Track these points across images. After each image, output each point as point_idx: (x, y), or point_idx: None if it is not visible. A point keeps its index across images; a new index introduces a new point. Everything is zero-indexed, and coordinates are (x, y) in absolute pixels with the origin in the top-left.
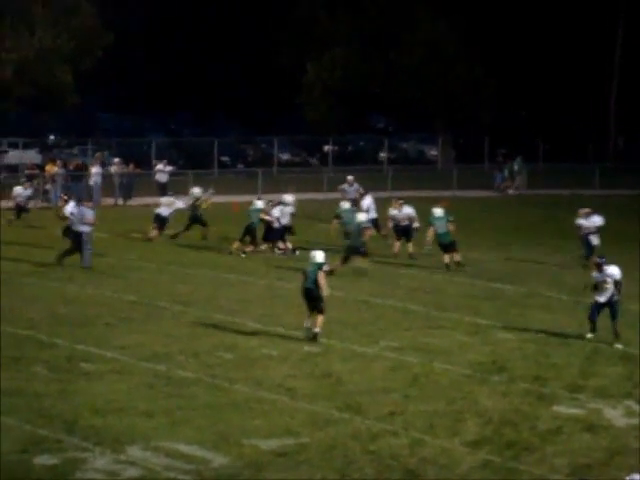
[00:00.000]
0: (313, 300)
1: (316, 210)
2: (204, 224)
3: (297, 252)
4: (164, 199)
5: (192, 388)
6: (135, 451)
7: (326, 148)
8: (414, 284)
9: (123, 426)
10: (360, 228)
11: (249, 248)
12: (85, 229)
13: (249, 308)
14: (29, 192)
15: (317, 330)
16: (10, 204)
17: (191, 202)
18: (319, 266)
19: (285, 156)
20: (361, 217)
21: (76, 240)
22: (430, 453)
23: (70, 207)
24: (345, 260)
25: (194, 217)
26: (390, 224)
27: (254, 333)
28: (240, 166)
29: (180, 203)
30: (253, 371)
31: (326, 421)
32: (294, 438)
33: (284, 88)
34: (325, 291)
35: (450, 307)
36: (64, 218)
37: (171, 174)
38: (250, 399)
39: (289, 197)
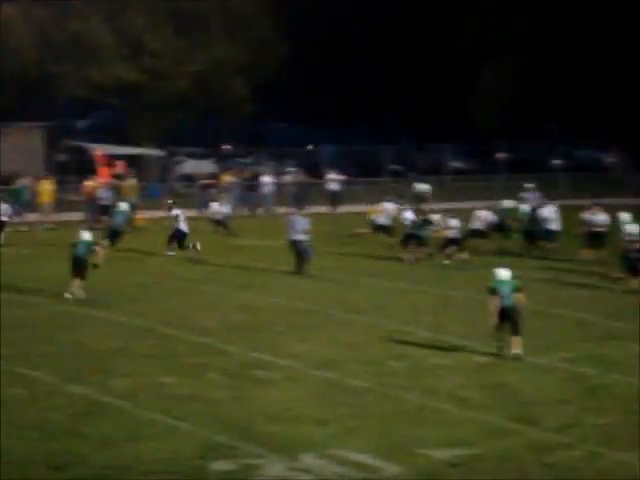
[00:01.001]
0: (512, 321)
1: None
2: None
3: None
4: (383, 205)
5: (364, 397)
6: (309, 459)
7: (498, 155)
8: (590, 293)
9: (297, 433)
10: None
11: (418, 254)
12: (301, 237)
13: (420, 317)
14: (225, 209)
15: (518, 352)
16: (192, 213)
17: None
18: (516, 286)
19: (456, 164)
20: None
21: (296, 248)
22: (607, 466)
23: (178, 211)
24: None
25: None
26: (583, 229)
27: (425, 342)
28: (412, 174)
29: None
30: (424, 380)
31: (500, 432)
32: (467, 448)
33: (456, 95)
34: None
35: (627, 317)
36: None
37: (342, 183)
38: (422, 408)
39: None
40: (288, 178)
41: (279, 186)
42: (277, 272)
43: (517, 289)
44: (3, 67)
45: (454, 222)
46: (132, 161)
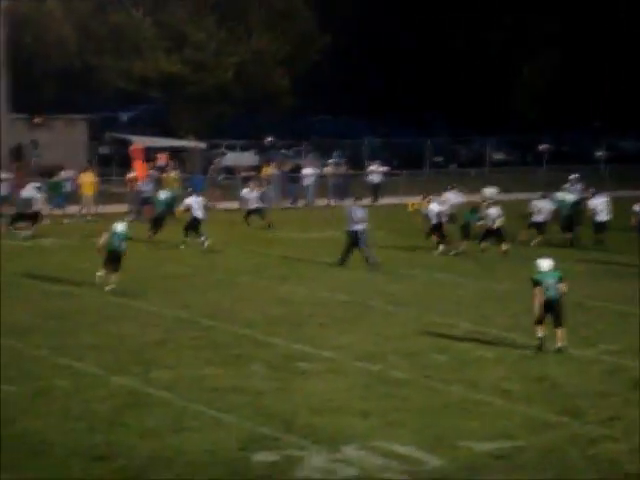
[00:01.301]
0: (555, 313)
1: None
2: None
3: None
4: (445, 195)
5: (406, 389)
6: (351, 451)
7: (541, 147)
8: (635, 285)
9: (339, 425)
10: None
11: (462, 246)
12: (359, 227)
13: (462, 309)
14: (254, 194)
15: (562, 344)
16: (233, 205)
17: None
18: (560, 277)
19: (498, 156)
20: None
21: (351, 239)
22: None
23: (190, 200)
24: None
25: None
26: (634, 221)
27: (467, 334)
28: (453, 166)
29: (458, 198)
30: (467, 373)
31: (543, 425)
32: (510, 441)
33: (497, 87)
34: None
35: None
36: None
37: (384, 175)
38: (465, 401)
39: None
40: (328, 170)
41: (320, 178)
42: (318, 264)
43: (561, 279)
44: (46, 60)
45: (494, 211)
46: (174, 153)
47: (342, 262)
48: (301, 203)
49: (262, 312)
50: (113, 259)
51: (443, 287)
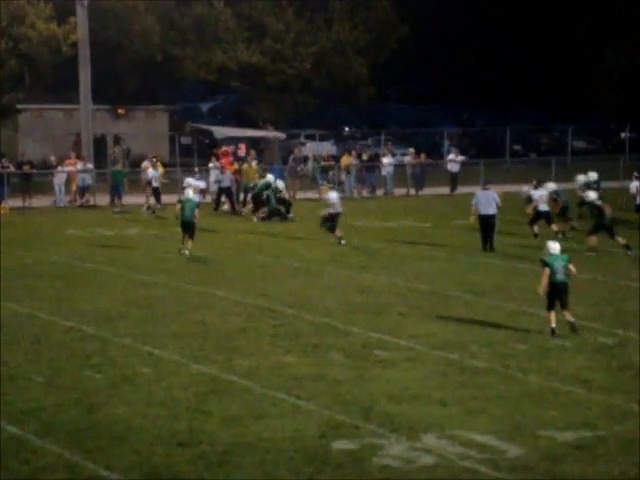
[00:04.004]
0: (566, 295)
1: (611, 198)
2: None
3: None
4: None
5: (485, 378)
6: (430, 439)
7: (623, 135)
8: None
9: (418, 414)
10: None
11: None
12: (493, 212)
13: (540, 298)
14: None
15: (572, 319)
16: (312, 195)
17: None
18: (568, 259)
19: (579, 144)
20: None
21: (486, 224)
22: None
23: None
24: None
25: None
26: None
27: (546, 323)
28: (533, 155)
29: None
30: (547, 362)
31: (624, 414)
32: (591, 431)
33: (578, 74)
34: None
35: None
36: None
37: (463, 164)
38: (545, 390)
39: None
40: (407, 159)
41: (398, 167)
42: (396, 253)
43: (568, 262)
44: (129, 52)
45: (537, 194)
46: (253, 143)
47: (485, 248)
48: (380, 192)
49: (341, 301)
50: (188, 229)
51: (522, 276)
